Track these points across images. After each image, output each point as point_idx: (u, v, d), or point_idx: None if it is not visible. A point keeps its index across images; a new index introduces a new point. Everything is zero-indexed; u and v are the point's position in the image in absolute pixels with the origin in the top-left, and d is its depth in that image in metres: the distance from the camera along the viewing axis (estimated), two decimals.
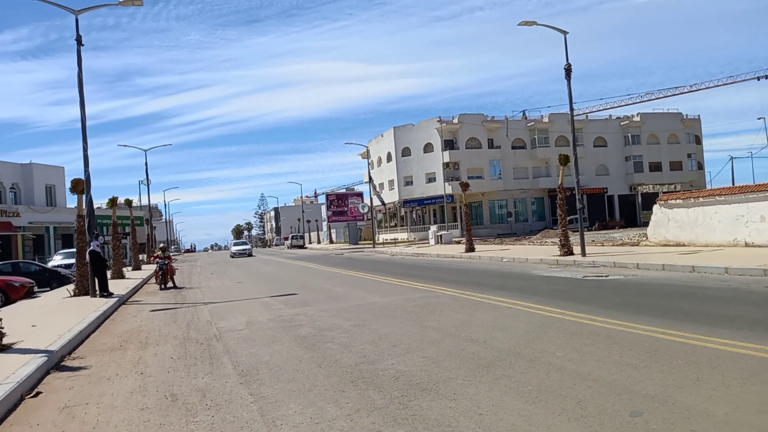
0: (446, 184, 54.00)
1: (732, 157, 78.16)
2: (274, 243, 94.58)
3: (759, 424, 3.73)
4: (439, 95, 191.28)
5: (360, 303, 11.21)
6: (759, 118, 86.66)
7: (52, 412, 5.04)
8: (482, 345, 6.63)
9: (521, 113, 62.34)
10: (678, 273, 13.54)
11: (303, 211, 72.62)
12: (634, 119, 60.98)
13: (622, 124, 60.92)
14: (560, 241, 20.49)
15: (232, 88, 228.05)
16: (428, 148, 56.17)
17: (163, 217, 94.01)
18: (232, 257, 45.20)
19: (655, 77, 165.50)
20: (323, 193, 79.39)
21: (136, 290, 17.84)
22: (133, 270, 27.77)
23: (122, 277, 22.00)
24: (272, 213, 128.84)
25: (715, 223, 18.04)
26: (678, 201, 19.54)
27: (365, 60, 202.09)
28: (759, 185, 17.33)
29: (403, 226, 61.08)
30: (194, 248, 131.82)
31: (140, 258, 32.50)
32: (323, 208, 72.77)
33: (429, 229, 44.56)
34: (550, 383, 4.96)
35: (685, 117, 62.88)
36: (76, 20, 15.42)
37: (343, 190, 72.70)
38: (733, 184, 50.28)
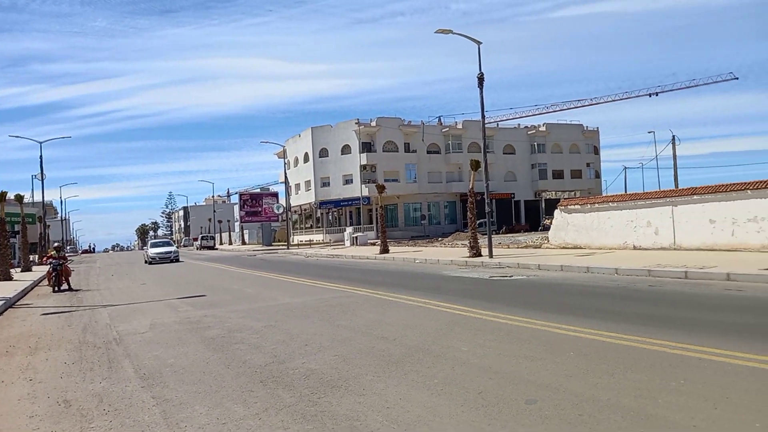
0: (363, 186, 54.36)
1: (625, 168, 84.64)
2: (182, 244, 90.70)
3: (636, 407, 4.11)
4: (358, 97, 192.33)
5: (272, 304, 11.06)
6: (649, 132, 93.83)
7: None
8: (392, 342, 6.78)
9: (437, 119, 64.10)
10: (574, 273, 14.50)
11: (214, 211, 70.26)
12: (540, 129, 64.52)
13: (529, 133, 64.27)
14: (470, 243, 21.30)
15: (142, 79, 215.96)
16: (346, 149, 56.29)
17: (59, 214, 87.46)
18: (150, 263, 31.63)
19: (561, 89, 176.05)
20: (236, 193, 77.13)
21: (25, 293, 16.47)
22: (22, 271, 25.59)
23: (9, 278, 20.22)
24: (181, 212, 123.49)
25: (609, 227, 19.51)
26: (576, 206, 20.93)
27: (285, 58, 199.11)
28: (646, 193, 18.97)
29: (319, 227, 60.77)
30: (93, 249, 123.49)
31: (31, 258, 30.01)
32: (236, 208, 70.81)
33: (345, 230, 44.65)
34: (454, 376, 5.17)
35: (585, 128, 67.39)
36: None
37: (258, 190, 71.12)
38: (626, 192, 54.58)
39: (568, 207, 21.32)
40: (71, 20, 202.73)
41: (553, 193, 63.22)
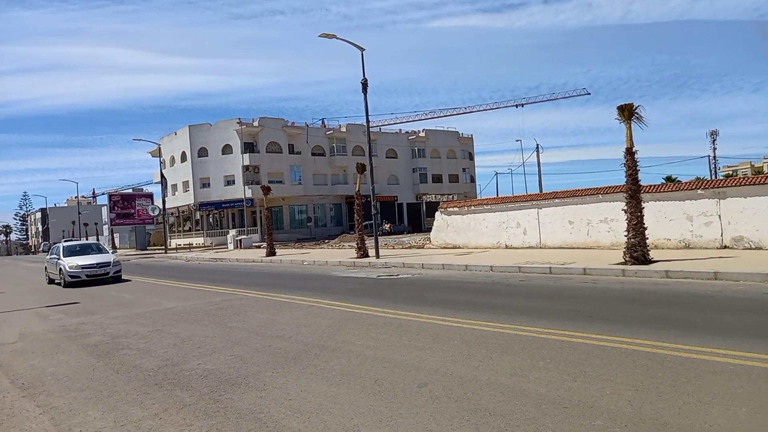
0: (246, 187, 53.05)
1: (496, 173, 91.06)
2: (40, 249, 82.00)
3: (511, 384, 4.70)
4: (237, 95, 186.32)
5: (155, 309, 10.65)
6: (517, 140, 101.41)
7: None
8: (288, 340, 6.95)
9: (320, 121, 64.30)
10: (454, 271, 15.52)
11: (79, 213, 64.46)
12: (420, 134, 67.26)
13: (410, 138, 66.70)
14: (357, 244, 21.80)
15: None
16: (227, 149, 54.56)
17: None
18: (68, 284, 17.48)
19: (439, 97, 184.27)
20: (103, 193, 71.44)
21: None
22: None
23: None
24: (38, 214, 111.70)
25: (484, 228, 21.02)
26: (455, 209, 22.28)
27: (155, 50, 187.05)
28: (516, 197, 20.70)
29: (199, 230, 58.23)
30: None
31: None
32: (104, 210, 65.61)
33: (228, 233, 43.32)
34: (351, 368, 5.48)
35: (461, 135, 71.35)
36: None
37: (130, 191, 66.43)
38: (497, 195, 58.67)
39: (448, 209, 22.62)
40: None
41: (433, 195, 66.21)
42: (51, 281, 19.25)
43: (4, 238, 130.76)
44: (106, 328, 8.61)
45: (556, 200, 18.61)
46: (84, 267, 17.60)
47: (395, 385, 4.83)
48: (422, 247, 23.91)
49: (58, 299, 13.31)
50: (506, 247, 20.15)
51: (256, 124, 54.74)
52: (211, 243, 52.66)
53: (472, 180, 72.92)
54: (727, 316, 6.97)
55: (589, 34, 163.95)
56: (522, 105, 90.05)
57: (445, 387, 4.70)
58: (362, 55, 20.87)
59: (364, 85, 20.89)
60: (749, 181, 14.03)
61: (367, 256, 21.09)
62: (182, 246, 55.03)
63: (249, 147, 54.51)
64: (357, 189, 22.42)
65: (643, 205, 15.99)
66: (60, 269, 17.84)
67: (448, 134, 70.07)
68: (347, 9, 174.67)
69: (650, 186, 16.07)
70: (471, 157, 73.42)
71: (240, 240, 38.04)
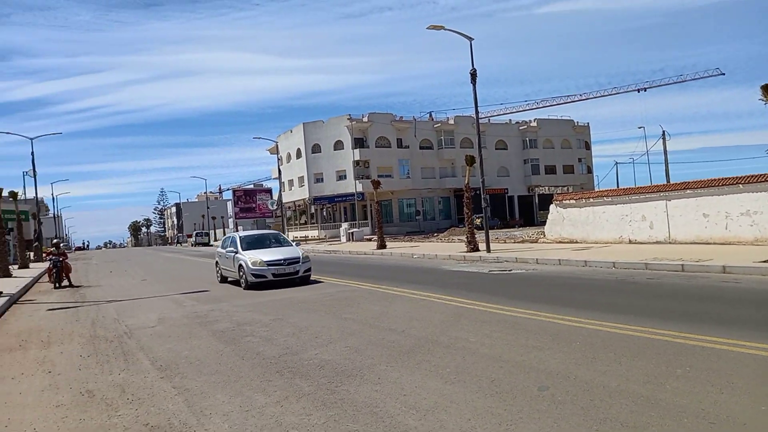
0: (357, 181, 54.44)
1: (616, 163, 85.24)
2: (176, 241, 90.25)
3: (645, 393, 4.29)
4: (348, 92, 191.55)
5: (276, 298, 11.18)
6: (639, 127, 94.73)
7: None
8: (401, 334, 6.93)
9: (428, 114, 64.23)
10: (572, 267, 14.71)
11: (208, 207, 70.05)
12: (531, 124, 64.83)
13: (521, 128, 64.55)
14: (467, 238, 21.48)
15: (129, 74, 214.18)
16: (338, 145, 56.30)
17: (51, 211, 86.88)
18: (253, 286, 13.26)
19: (550, 85, 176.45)
20: (228, 189, 76.88)
21: (27, 289, 16.49)
22: (19, 268, 25.52)
23: (8, 275, 20.19)
24: (173, 209, 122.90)
25: (604, 221, 19.75)
26: (572, 201, 21.16)
27: (273, 53, 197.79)
28: (640, 188, 19.21)
29: (314, 223, 60.80)
30: (87, 246, 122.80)
31: (27, 255, 29.87)
32: (229, 205, 70.62)
33: (340, 226, 44.76)
34: (466, 366, 5.33)
35: (576, 124, 67.76)
36: None
37: (251, 186, 70.98)
38: (618, 186, 55.10)
39: (564, 202, 21.55)
40: (54, 14, 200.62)
41: (546, 188, 63.61)
42: (224, 279, 15.43)
43: (146, 230, 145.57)
44: (232, 316, 9.17)
45: (688, 191, 17.00)
46: (270, 264, 13.28)
47: (513, 387, 4.61)
48: (536, 242, 23.01)
49: (190, 287, 14.45)
50: (629, 241, 18.78)
51: (365, 119, 55.91)
52: (325, 235, 54.71)
53: (589, 170, 69.06)
54: None
55: (721, 7, 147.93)
56: (645, 89, 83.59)
57: (569, 392, 4.40)
58: (470, 44, 20.43)
59: (473, 75, 20.44)
60: None
61: (477, 250, 20.69)
62: (298, 238, 57.74)
63: (359, 142, 55.84)
64: (466, 182, 22.06)
65: None
66: (240, 266, 13.67)
67: (562, 123, 66.85)
68: (454, 0, 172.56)
69: None
70: (587, 146, 69.53)
71: (352, 233, 39.13)
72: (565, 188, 61.74)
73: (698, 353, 5.23)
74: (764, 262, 11.54)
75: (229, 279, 15.13)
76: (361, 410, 4.25)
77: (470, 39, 20.50)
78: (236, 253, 14.22)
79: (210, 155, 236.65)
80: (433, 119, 62.18)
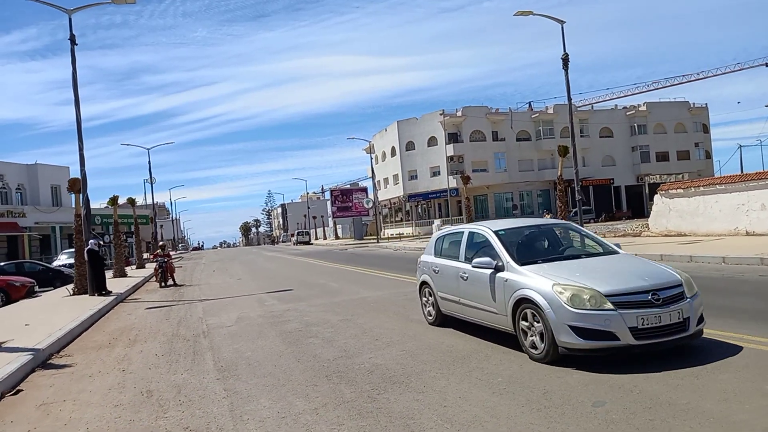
0: (450, 177, 53.88)
1: (740, 146, 77.12)
2: (281, 240, 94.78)
3: (718, 413, 3.70)
4: (446, 88, 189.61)
5: (353, 298, 11.24)
6: (767, 106, 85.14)
7: (29, 409, 5.11)
8: (462, 338, 6.63)
9: (527, 105, 62.01)
10: (676, 263, 13.42)
11: (308, 207, 72.64)
12: (640, 109, 60.37)
13: (628, 114, 60.36)
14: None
15: (239, 84, 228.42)
16: (432, 141, 56.02)
17: (170, 215, 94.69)
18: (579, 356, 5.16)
19: (667, 66, 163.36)
20: (329, 189, 79.29)
21: (136, 288, 17.99)
22: (137, 268, 28.00)
23: (124, 275, 22.20)
24: (279, 209, 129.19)
25: (716, 212, 17.87)
26: (679, 191, 19.37)
27: (371, 53, 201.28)
28: (759, 173, 17.14)
29: (409, 220, 61.05)
30: (202, 246, 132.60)
31: (144, 256, 32.74)
32: (329, 204, 72.83)
33: (433, 223, 44.52)
34: (521, 375, 4.95)
35: (692, 105, 62.14)
36: (70, 20, 15.50)
37: (348, 186, 72.69)
38: (742, 172, 49.80)
39: (669, 191, 19.78)
40: (174, 32, 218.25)
41: (658, 176, 58.94)
42: (444, 318, 7.41)
43: (255, 230, 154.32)
44: (305, 315, 9.32)
45: None
46: (620, 302, 5.00)
47: (565, 401, 4.18)
48: (638, 235, 21.36)
49: (279, 286, 14.95)
50: (746, 233, 16.83)
51: (459, 114, 55.14)
52: (419, 232, 54.73)
53: (708, 156, 63.15)
54: None
55: None
56: None
57: (627, 408, 3.92)
58: (562, 28, 19.40)
59: (565, 60, 19.40)
60: None
61: None
62: (394, 236, 58.33)
63: (453, 137, 55.20)
64: (559, 173, 21.01)
65: None
66: (524, 301, 5.50)
67: (675, 105, 61.60)
68: None
69: None
70: (706, 129, 63.57)
71: None
72: (680, 176, 56.84)
73: None
74: None
75: (466, 318, 6.83)
76: (394, 421, 4.07)
77: (561, 22, 19.49)
78: (496, 270, 6.00)
79: (313, 157, 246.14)
80: (531, 109, 59.99)
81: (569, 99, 20.39)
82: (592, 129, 58.57)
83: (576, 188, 19.55)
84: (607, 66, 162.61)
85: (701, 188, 18.48)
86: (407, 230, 59.22)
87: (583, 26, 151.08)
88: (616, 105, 62.63)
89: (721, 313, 6.83)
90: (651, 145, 60.01)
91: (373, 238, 53.91)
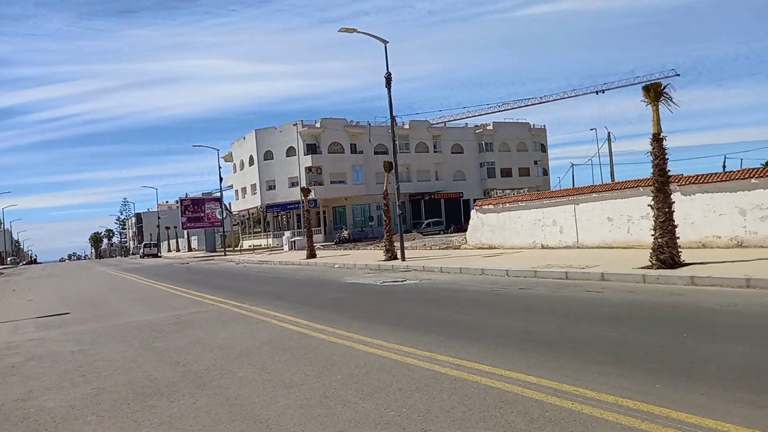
0: (309, 188, 53.58)
1: (572, 165, 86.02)
2: (131, 252, 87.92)
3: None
4: (325, 98, 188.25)
5: (126, 321, 10.35)
6: (591, 129, 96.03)
7: None
8: (175, 368, 6.20)
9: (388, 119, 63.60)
10: (469, 276, 14.22)
11: (159, 218, 68.31)
12: (487, 128, 64.87)
13: (477, 132, 64.55)
14: (385, 246, 20.93)
15: (102, 82, 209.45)
16: (291, 152, 55.42)
17: (1, 224, 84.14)
18: None
19: (527, 87, 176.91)
20: (179, 198, 74.85)
21: None
22: None
23: None
24: (134, 219, 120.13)
25: (519, 227, 19.35)
26: (490, 206, 20.73)
27: (249, 59, 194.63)
28: (552, 192, 18.86)
29: (268, 231, 59.70)
30: (35, 259, 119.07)
31: None
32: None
33: (282, 235, 43.87)
34: (185, 412, 4.62)
35: (532, 126, 68.08)
36: None
37: (200, 195, 69.30)
38: (573, 187, 55.41)
39: (483, 207, 21.12)
40: (25, 22, 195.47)
41: (502, 190, 63.59)
42: None
43: (107, 241, 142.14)
44: (42, 346, 8.32)
45: (594, 194, 16.68)
46: None
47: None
48: (458, 248, 22.54)
49: (61, 308, 13.49)
50: (542, 246, 18.40)
51: (317, 125, 55.15)
52: (277, 244, 53.71)
53: (545, 173, 69.48)
54: (713, 344, 5.39)
55: (692, 9, 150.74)
56: (603, 91, 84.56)
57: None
58: (385, 48, 19.92)
59: (388, 79, 19.94)
60: None
61: (395, 258, 20.14)
62: (253, 247, 56.63)
63: (311, 148, 55.03)
64: (384, 189, 21.55)
65: (691, 197, 14.00)
66: None
67: (518, 126, 67.14)
68: (431, 5, 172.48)
69: (697, 176, 13.90)
70: (543, 149, 69.93)
71: (294, 241, 38.27)
72: (521, 190, 61.82)
73: (459, 388, 4.61)
74: (642, 268, 11.15)
75: None
76: None
77: (385, 42, 20.00)
78: None
79: (181, 163, 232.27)
80: (396, 124, 61.64)
81: (392, 117, 21.06)
82: (444, 145, 61.75)
83: (397, 202, 20.14)
84: (480, 84, 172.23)
85: (507, 204, 19.93)
86: (267, 241, 57.84)
87: (455, 46, 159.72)
88: (467, 123, 66.69)
89: (448, 329, 7.09)
90: (496, 161, 64.68)
91: (231, 250, 51.88)
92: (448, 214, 59.30)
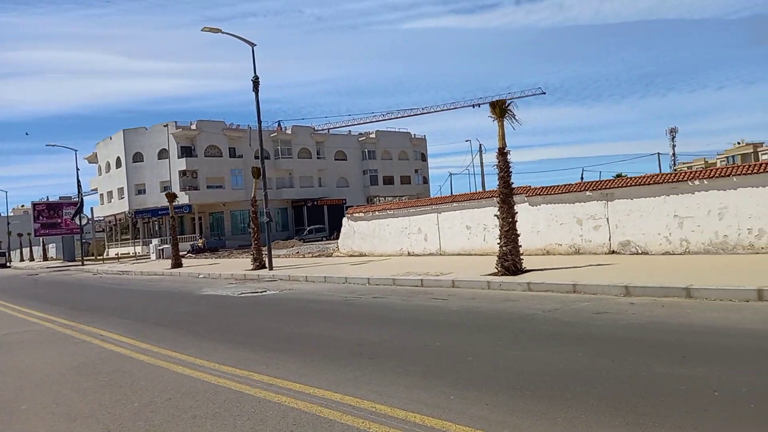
0: (183, 193, 50.95)
1: (450, 174, 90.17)
2: None
3: None
4: (211, 99, 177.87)
5: None
6: (466, 140, 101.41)
7: None
8: None
9: (276, 123, 62.23)
10: (332, 285, 14.08)
11: (8, 223, 61.29)
12: (370, 136, 65.86)
13: (360, 139, 65.27)
14: (253, 255, 20.27)
15: None
16: (163, 154, 52.31)
17: None
18: None
19: (413, 98, 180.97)
20: (32, 203, 67.55)
21: None
22: None
23: None
24: None
25: (388, 234, 19.63)
26: (361, 214, 20.85)
27: (129, 54, 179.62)
28: (418, 201, 19.39)
29: (137, 238, 55.74)
30: None
31: None
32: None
33: (151, 242, 41.20)
34: None
35: (413, 136, 70.20)
36: None
37: (57, 199, 63.08)
38: (452, 194, 57.79)
39: (354, 214, 21.20)
40: None
41: (385, 198, 64.84)
42: None
43: None
44: None
45: (455, 204, 17.35)
46: None
47: None
48: (331, 256, 22.43)
49: None
50: (408, 254, 18.80)
51: (193, 127, 52.61)
52: (147, 252, 50.26)
53: (425, 181, 71.89)
54: (520, 351, 5.61)
55: (562, 33, 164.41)
56: (479, 105, 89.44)
57: None
58: (252, 51, 19.35)
59: (255, 83, 19.37)
60: (635, 181, 12.93)
61: (263, 267, 19.54)
62: (119, 255, 52.48)
63: (186, 151, 52.39)
64: (253, 195, 20.94)
65: (537, 208, 14.86)
66: None
67: (400, 135, 68.90)
68: (321, 11, 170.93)
69: (542, 188, 14.92)
70: (424, 158, 72.37)
71: (162, 249, 36.00)
72: (403, 198, 63.41)
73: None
74: (489, 275, 11.68)
75: None
76: None
77: (252, 45, 19.42)
78: None
79: (48, 164, 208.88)
80: (281, 128, 60.32)
81: (259, 122, 20.51)
82: (327, 152, 61.71)
83: (265, 210, 19.60)
84: (369, 92, 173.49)
85: (377, 212, 20.16)
86: (135, 249, 53.91)
87: (344, 53, 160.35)
88: (350, 131, 67.24)
89: (271, 343, 6.82)
90: (379, 169, 65.84)
91: (90, 259, 47.58)
92: (331, 221, 59.17)
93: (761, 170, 10.84)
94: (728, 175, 11.13)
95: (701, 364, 4.75)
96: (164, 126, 51.07)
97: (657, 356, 5.08)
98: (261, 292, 13.49)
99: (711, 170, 11.72)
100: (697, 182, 11.63)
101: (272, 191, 57.81)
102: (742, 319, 6.48)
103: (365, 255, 20.40)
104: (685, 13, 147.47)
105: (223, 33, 18.48)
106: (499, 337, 6.43)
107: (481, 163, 55.37)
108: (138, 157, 52.73)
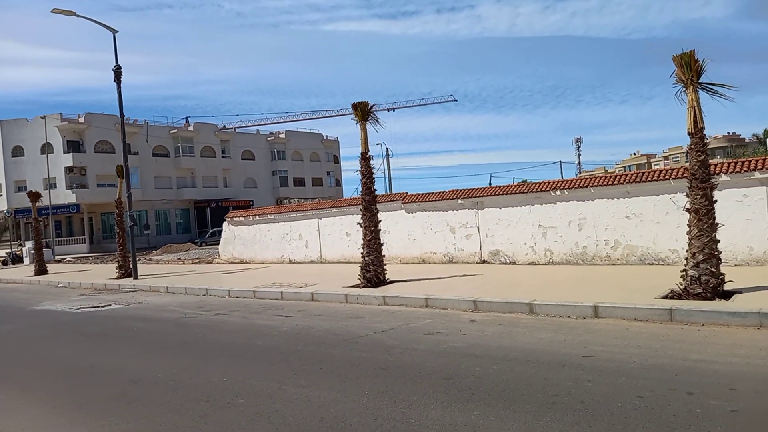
0: (70, 191, 47.01)
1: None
2: None
3: None
4: (107, 92, 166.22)
5: None
6: (377, 144, 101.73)
7: None
8: None
9: (184, 120, 58.81)
10: (190, 297, 12.91)
11: None
12: (280, 136, 64.05)
13: (269, 139, 63.30)
14: (118, 261, 18.48)
15: None
16: (47, 148, 47.88)
17: None
18: None
19: (336, 99, 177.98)
20: None
21: None
22: None
23: None
24: None
25: (269, 240, 18.54)
26: (241, 219, 19.62)
27: (25, 41, 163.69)
28: (299, 206, 18.50)
29: (18, 240, 50.73)
30: None
31: None
32: None
33: (24, 246, 37.44)
34: None
35: (325, 138, 69.08)
36: None
37: None
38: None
39: (234, 219, 19.92)
40: None
41: (296, 200, 63.27)
42: None
43: None
44: None
45: (335, 210, 16.58)
46: None
47: None
48: (211, 262, 20.98)
49: None
50: (290, 261, 17.81)
51: (81, 120, 48.67)
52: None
53: (338, 183, 70.98)
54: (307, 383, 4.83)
55: (480, 44, 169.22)
56: (393, 109, 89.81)
57: None
58: (114, 38, 17.70)
59: (117, 73, 17.69)
60: (503, 190, 12.72)
61: (130, 275, 17.81)
62: None
63: (74, 146, 48.33)
64: (117, 196, 19.18)
65: (413, 215, 14.40)
66: None
67: (311, 136, 67.59)
68: (241, 6, 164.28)
69: (418, 195, 14.46)
70: (337, 160, 71.42)
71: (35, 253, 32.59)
72: (315, 200, 62.17)
73: None
74: (350, 287, 10.97)
75: None
76: None
77: (114, 32, 17.75)
78: None
79: None
80: (189, 124, 57.01)
81: (122, 115, 19.01)
82: (234, 151, 59.29)
83: (129, 213, 17.91)
84: (289, 93, 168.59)
85: (257, 217, 19.02)
86: (12, 252, 48.97)
87: (266, 51, 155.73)
88: (258, 130, 65.11)
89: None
90: (289, 170, 64.15)
91: None
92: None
93: (616, 182, 10.87)
94: (586, 186, 11.10)
95: (482, 406, 4.17)
96: (41, 118, 46.67)
97: (442, 393, 4.47)
98: (104, 306, 12.06)
99: (571, 180, 11.69)
100: (558, 192, 11.54)
101: (173, 191, 54.76)
102: (566, 342, 6.10)
103: (246, 262, 19.19)
104: (591, 31, 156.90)
105: (77, 16, 16.66)
106: (295, 369, 5.63)
107: (388, 167, 55.43)
108: (18, 151, 48.03)
